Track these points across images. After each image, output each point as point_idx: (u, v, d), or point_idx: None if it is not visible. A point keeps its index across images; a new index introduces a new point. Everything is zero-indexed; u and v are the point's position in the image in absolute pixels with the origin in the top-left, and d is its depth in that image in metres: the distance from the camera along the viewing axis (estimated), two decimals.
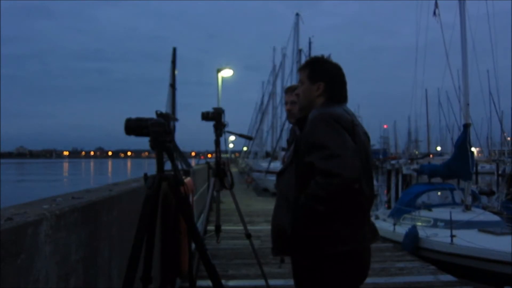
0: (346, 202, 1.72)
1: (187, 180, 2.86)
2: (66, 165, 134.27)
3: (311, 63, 2.07)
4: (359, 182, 1.69)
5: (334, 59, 2.09)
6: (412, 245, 7.83)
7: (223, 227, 4.50)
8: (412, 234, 8.06)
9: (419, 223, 8.85)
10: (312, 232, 1.76)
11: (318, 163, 1.70)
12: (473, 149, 10.04)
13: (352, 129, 1.81)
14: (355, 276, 1.88)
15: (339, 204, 1.72)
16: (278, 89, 36.16)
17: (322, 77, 1.97)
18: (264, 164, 28.37)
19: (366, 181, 1.82)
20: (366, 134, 1.99)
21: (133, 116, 2.15)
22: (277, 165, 21.22)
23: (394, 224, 9.27)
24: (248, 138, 5.85)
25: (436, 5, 10.74)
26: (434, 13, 10.77)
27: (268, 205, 11.38)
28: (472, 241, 7.18)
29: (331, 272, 1.80)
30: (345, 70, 2.04)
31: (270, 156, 31.68)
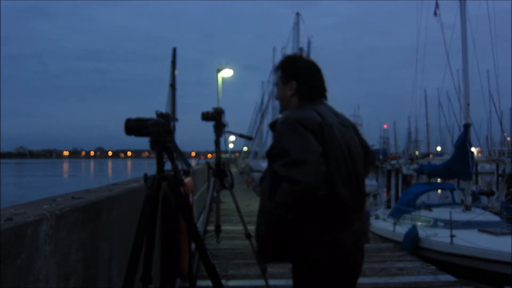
0: (319, 208, 1.65)
1: (187, 180, 2.87)
2: (66, 165, 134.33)
3: (282, 63, 2.03)
4: (323, 189, 1.61)
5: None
6: (412, 245, 7.83)
7: (223, 227, 4.50)
8: (412, 234, 8.06)
9: (419, 223, 8.86)
10: (286, 238, 1.72)
11: (279, 170, 1.65)
12: (473, 149, 10.04)
13: (321, 131, 1.71)
14: (339, 282, 1.79)
15: (310, 211, 1.65)
16: None
17: (293, 76, 1.94)
18: (264, 164, 28.35)
19: (349, 185, 1.74)
20: (355, 132, 1.91)
21: (133, 116, 2.16)
22: None
23: (394, 224, 9.27)
24: (248, 138, 5.85)
25: (436, 5, 10.77)
26: (435, 13, 10.79)
27: None
28: (472, 241, 7.18)
29: (314, 278, 1.75)
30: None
31: None
